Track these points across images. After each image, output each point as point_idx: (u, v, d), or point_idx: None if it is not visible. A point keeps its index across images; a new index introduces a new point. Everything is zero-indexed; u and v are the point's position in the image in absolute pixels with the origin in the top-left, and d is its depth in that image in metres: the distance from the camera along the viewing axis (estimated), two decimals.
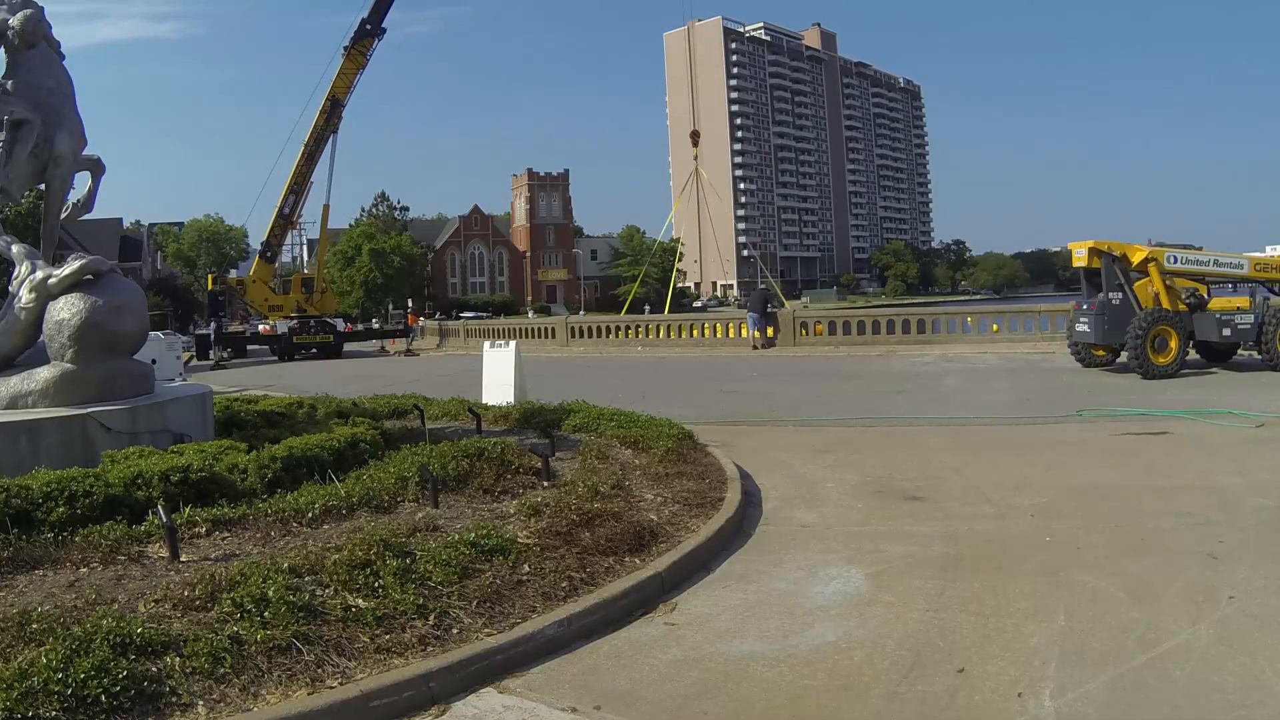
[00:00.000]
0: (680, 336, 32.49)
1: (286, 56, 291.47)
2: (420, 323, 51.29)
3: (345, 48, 39.38)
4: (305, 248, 78.45)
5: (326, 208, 43.87)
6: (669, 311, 52.83)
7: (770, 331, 29.01)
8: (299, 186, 40.69)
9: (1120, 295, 16.81)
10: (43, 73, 8.25)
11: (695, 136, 51.75)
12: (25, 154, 8.11)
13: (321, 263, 48.40)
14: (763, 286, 40.86)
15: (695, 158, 52.04)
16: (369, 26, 39.09)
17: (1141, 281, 16.91)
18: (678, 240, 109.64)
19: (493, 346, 15.09)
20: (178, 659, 3.93)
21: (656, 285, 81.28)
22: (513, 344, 15.44)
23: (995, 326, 27.54)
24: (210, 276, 49.95)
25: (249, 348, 41.66)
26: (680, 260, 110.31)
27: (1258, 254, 21.60)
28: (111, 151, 9.23)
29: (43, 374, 7.41)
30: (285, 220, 41.86)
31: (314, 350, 39.90)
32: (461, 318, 65.03)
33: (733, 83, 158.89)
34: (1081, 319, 17.59)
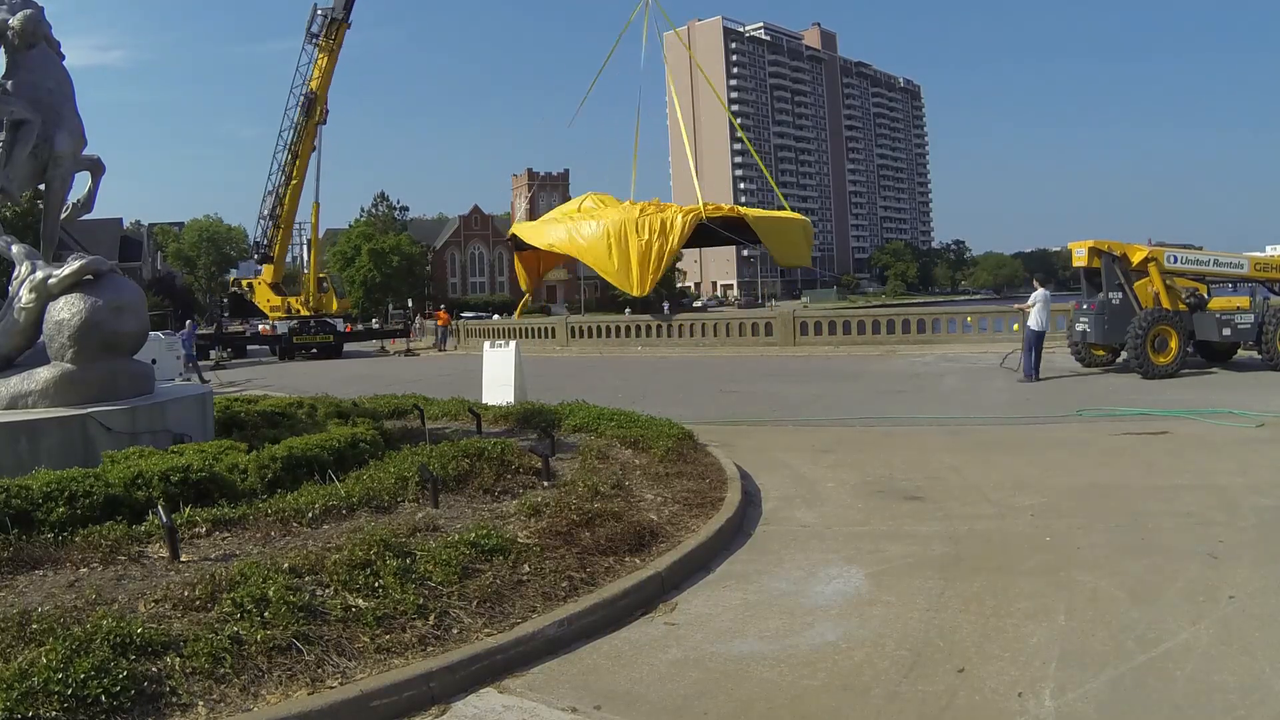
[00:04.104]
0: (680, 336, 32.48)
1: (252, 73, 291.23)
2: (450, 323, 45.66)
3: (316, 43, 39.28)
4: (304, 247, 78.38)
5: (316, 205, 43.99)
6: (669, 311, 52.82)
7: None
8: (290, 184, 40.66)
9: (1120, 295, 16.83)
10: (43, 73, 8.24)
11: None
12: (25, 154, 8.11)
13: (314, 261, 48.27)
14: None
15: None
16: (338, 16, 38.96)
17: (1141, 281, 16.93)
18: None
19: (493, 346, 15.09)
20: (178, 659, 3.93)
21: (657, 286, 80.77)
22: (513, 344, 15.45)
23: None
24: (231, 278, 50.14)
25: (249, 348, 41.71)
26: (679, 259, 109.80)
27: (1258, 254, 21.60)
28: (109, 156, 9.23)
29: (43, 374, 7.40)
30: (278, 220, 41.86)
31: (314, 350, 39.90)
32: (462, 318, 64.92)
33: (733, 83, 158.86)
34: (1081, 319, 17.61)
